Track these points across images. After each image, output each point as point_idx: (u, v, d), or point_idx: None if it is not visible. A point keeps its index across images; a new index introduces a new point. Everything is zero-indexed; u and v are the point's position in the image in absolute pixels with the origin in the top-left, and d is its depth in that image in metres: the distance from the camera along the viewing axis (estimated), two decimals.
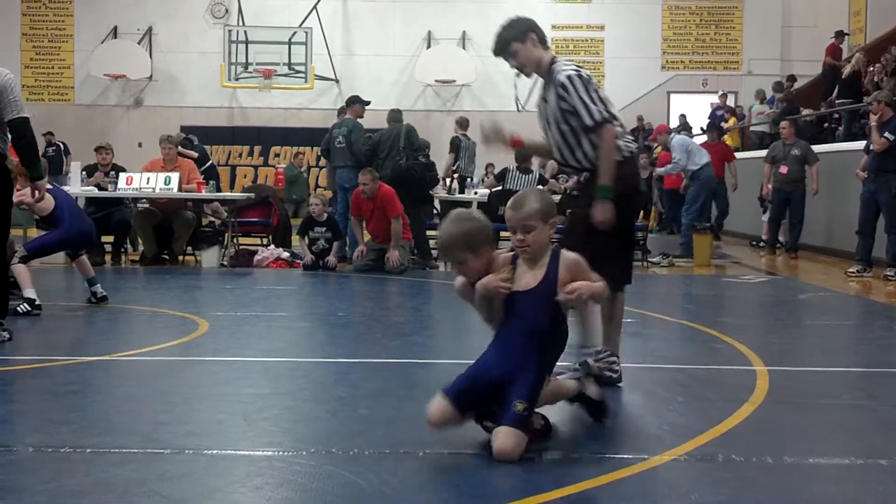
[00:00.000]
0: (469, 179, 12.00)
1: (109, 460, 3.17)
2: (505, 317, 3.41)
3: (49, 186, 6.83)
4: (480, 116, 19.36)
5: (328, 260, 9.61)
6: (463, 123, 12.68)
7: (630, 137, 4.55)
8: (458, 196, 11.55)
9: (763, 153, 14.56)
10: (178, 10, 21.67)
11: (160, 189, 9.80)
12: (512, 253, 3.44)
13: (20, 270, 6.42)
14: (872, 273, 9.57)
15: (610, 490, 2.97)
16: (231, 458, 3.26)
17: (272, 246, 10.35)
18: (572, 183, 4.71)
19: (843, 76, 15.26)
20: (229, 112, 21.91)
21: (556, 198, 11.78)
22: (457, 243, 3.40)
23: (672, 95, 22.21)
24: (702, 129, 17.62)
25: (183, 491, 2.91)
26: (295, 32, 20.41)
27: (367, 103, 10.93)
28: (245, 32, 20.65)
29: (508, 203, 3.42)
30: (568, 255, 3.40)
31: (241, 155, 22.08)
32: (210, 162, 14.16)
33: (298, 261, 9.86)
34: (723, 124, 17.60)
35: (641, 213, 12.51)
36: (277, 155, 21.87)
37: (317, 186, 20.52)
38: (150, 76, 21.65)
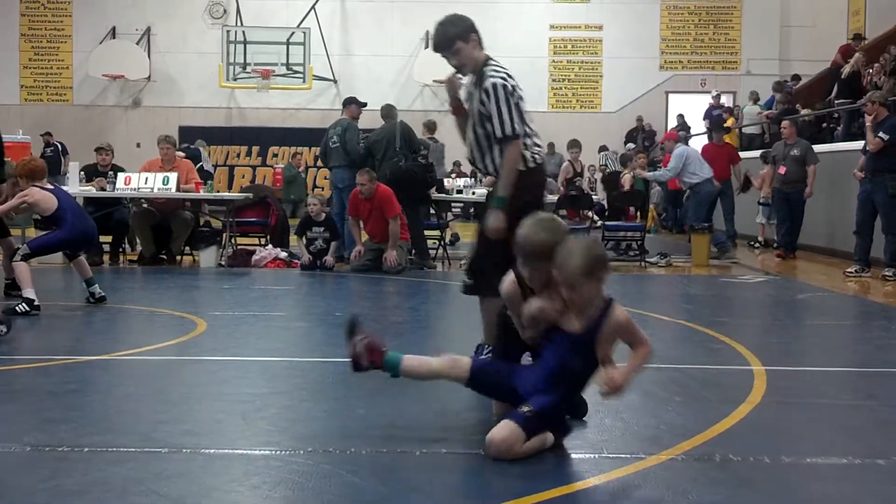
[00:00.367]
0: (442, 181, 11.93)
1: (107, 459, 3.18)
2: (542, 341, 3.37)
3: (51, 186, 6.84)
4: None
5: (326, 260, 9.61)
6: (431, 126, 12.82)
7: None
8: (455, 196, 11.57)
9: (752, 154, 14.57)
10: (176, 11, 21.67)
11: (158, 189, 9.79)
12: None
13: (21, 269, 6.42)
14: (871, 273, 9.57)
15: (608, 489, 2.98)
16: (229, 457, 3.27)
17: (270, 246, 10.34)
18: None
19: (842, 76, 15.28)
20: (227, 112, 21.91)
21: (554, 198, 11.84)
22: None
23: (670, 95, 22.21)
24: (708, 129, 17.51)
25: (180, 490, 2.91)
26: (293, 33, 20.41)
27: (364, 105, 10.92)
28: (243, 33, 20.66)
29: (523, 250, 3.37)
30: (617, 315, 3.30)
31: (239, 155, 22.07)
32: (200, 164, 14.15)
33: (296, 261, 9.86)
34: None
35: (639, 213, 12.42)
36: (275, 155, 21.87)
37: (314, 186, 20.52)
38: (149, 76, 21.65)
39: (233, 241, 10.54)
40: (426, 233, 10.51)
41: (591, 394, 3.59)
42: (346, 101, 11.14)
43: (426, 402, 3.90)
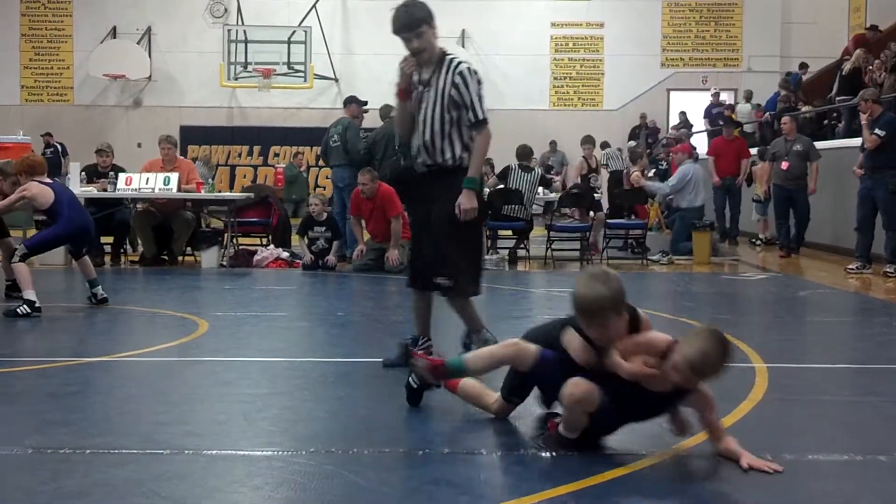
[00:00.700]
0: None
1: (109, 461, 3.18)
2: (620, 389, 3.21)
3: (49, 181, 6.84)
4: None
5: (328, 259, 9.61)
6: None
7: None
8: None
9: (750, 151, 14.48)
10: (177, 10, 21.65)
11: (159, 189, 9.79)
12: (669, 341, 3.21)
13: (21, 270, 6.41)
14: (872, 270, 9.57)
15: (609, 487, 2.97)
16: (230, 458, 3.27)
17: (272, 246, 10.34)
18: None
19: (842, 72, 15.24)
20: (228, 112, 21.90)
21: (554, 196, 11.82)
22: (606, 304, 3.13)
23: (672, 93, 22.18)
24: (720, 122, 17.42)
25: (182, 491, 2.91)
26: (294, 32, 20.40)
27: (364, 104, 10.92)
28: (244, 32, 20.64)
29: (583, 310, 3.17)
30: (704, 393, 3.22)
31: (240, 155, 22.05)
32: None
33: (298, 261, 9.85)
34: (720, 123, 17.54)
35: (639, 211, 12.39)
36: (277, 155, 21.86)
37: (316, 186, 20.51)
38: (150, 76, 21.63)
39: (234, 241, 10.53)
40: None
41: None
42: (347, 100, 11.14)
43: (428, 401, 3.90)
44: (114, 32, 21.63)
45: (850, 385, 4.66)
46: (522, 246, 10.93)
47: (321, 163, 16.43)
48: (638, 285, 9.07)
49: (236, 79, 20.63)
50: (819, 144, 11.87)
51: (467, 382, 3.70)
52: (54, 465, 3.13)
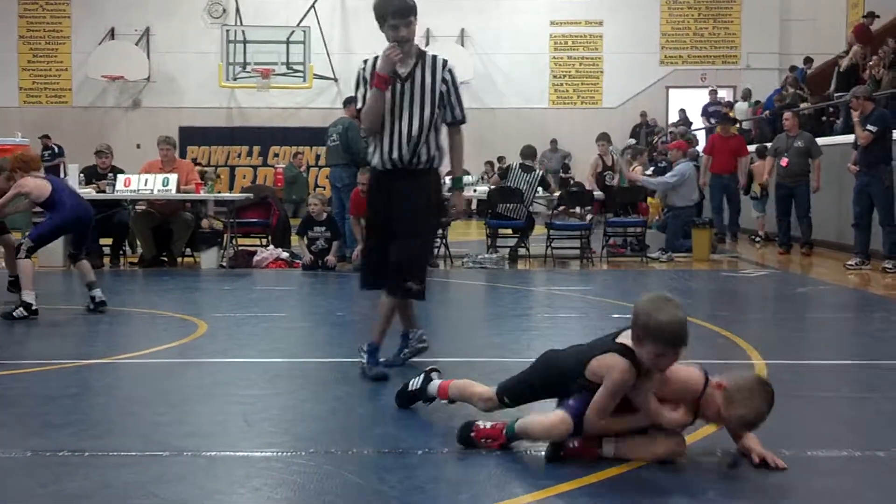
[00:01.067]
0: None
1: (108, 463, 3.18)
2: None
3: (43, 175, 6.83)
4: (480, 115, 19.49)
5: (328, 260, 9.61)
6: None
7: None
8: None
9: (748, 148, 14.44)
10: (175, 11, 21.66)
11: (158, 191, 9.79)
12: (703, 381, 3.16)
13: (26, 267, 6.39)
14: (871, 265, 9.57)
15: (608, 486, 2.97)
16: (230, 460, 3.27)
17: (271, 246, 10.35)
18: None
19: (840, 69, 15.23)
20: (228, 112, 21.90)
21: (554, 195, 11.82)
22: (686, 332, 3.05)
23: (671, 90, 22.18)
24: (714, 121, 17.40)
25: (182, 493, 2.91)
26: (293, 32, 20.41)
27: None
28: (243, 32, 20.65)
29: (677, 339, 3.03)
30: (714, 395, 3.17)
31: (239, 155, 22.06)
32: None
33: (298, 261, 9.85)
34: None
35: (638, 208, 12.35)
36: (276, 155, 21.86)
37: (316, 186, 20.51)
38: (148, 77, 21.64)
39: (234, 242, 10.53)
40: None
41: None
42: (347, 100, 11.12)
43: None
44: (112, 34, 21.64)
45: (848, 381, 4.66)
46: (522, 245, 10.93)
47: (321, 162, 16.44)
48: (639, 283, 9.08)
49: (235, 79, 20.65)
50: (821, 141, 11.80)
51: (455, 383, 3.66)
52: (54, 468, 3.13)
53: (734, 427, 3.15)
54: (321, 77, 20.85)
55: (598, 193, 11.28)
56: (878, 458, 3.25)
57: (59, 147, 19.07)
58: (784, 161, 11.45)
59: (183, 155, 18.50)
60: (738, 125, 14.59)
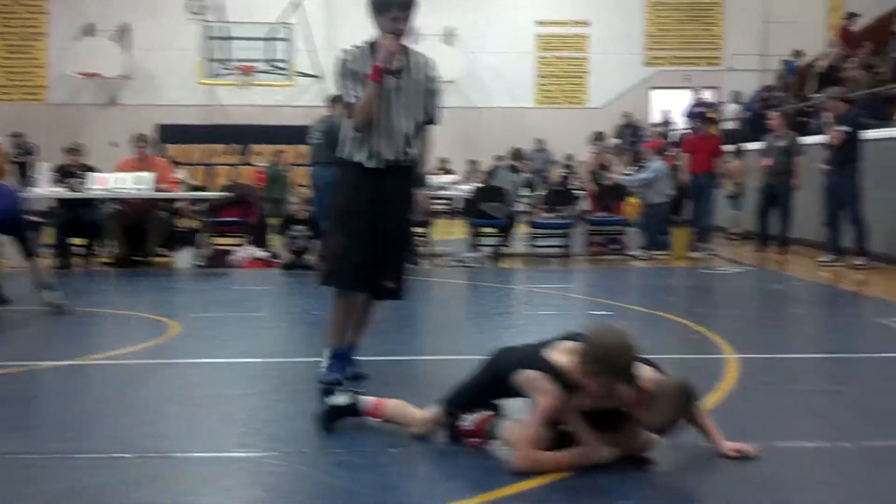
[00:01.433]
0: None
1: (75, 466, 3.12)
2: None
3: None
4: (466, 114, 19.45)
5: (307, 259, 9.52)
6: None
7: None
8: (441, 193, 11.55)
9: (727, 148, 14.39)
10: (155, 6, 21.44)
11: (133, 189, 9.64)
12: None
13: None
14: (844, 262, 9.64)
15: (581, 480, 2.96)
16: (200, 461, 3.22)
17: (249, 246, 10.25)
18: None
19: (819, 70, 15.27)
20: (208, 110, 21.71)
21: (536, 193, 11.80)
22: (632, 359, 2.96)
23: (655, 91, 22.24)
24: (689, 115, 17.39)
25: (151, 496, 2.87)
26: (276, 28, 20.26)
27: (350, 103, 10.81)
28: (224, 28, 20.47)
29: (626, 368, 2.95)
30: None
31: (219, 154, 21.90)
32: None
33: (276, 260, 9.77)
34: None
35: (618, 205, 12.33)
36: (258, 153, 21.72)
37: (299, 185, 20.37)
38: (127, 74, 21.43)
39: (210, 241, 10.41)
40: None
41: None
42: (332, 98, 11.04)
43: (404, 399, 3.84)
44: (89, 30, 21.41)
45: (818, 375, 4.72)
46: (505, 243, 10.92)
47: (303, 161, 16.28)
48: (620, 280, 9.11)
49: (215, 76, 20.46)
50: (805, 140, 11.74)
51: (392, 403, 3.48)
52: (24, 470, 3.07)
53: (644, 428, 3.06)
54: (305, 74, 20.70)
55: (579, 193, 11.31)
56: (844, 449, 3.30)
57: (33, 145, 18.78)
58: (768, 161, 11.46)
59: (163, 154, 18.33)
60: (716, 125, 14.55)
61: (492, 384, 3.22)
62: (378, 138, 4.12)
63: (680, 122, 19.60)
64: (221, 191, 12.35)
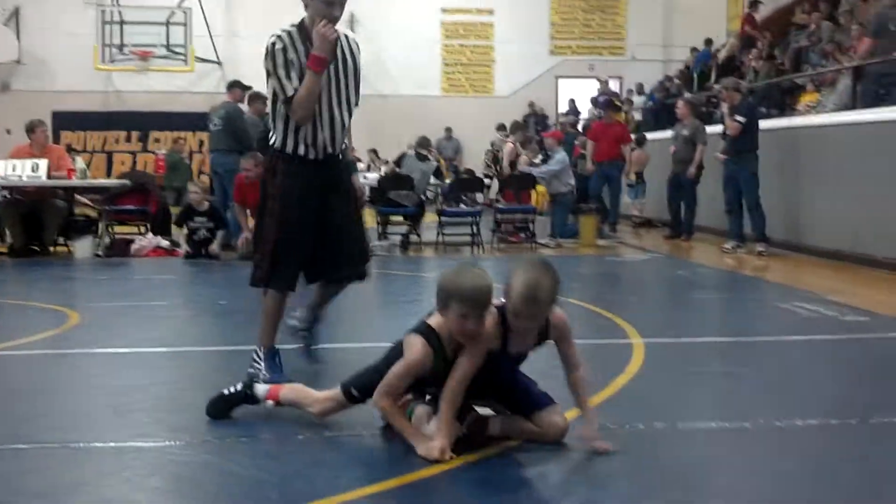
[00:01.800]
0: None
1: None
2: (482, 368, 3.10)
3: None
4: (371, 100, 19.29)
5: (211, 249, 9.32)
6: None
7: None
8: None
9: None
10: None
11: (28, 177, 9.28)
12: (495, 312, 3.06)
13: None
14: (746, 248, 9.97)
15: (480, 461, 2.98)
16: (99, 451, 3.13)
17: (150, 234, 9.98)
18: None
19: (718, 61, 15.76)
20: (104, 96, 21.01)
21: (440, 181, 11.84)
22: (490, 297, 3.00)
23: (561, 80, 22.53)
24: (596, 104, 17.66)
25: (46, 485, 2.77)
26: (173, 12, 19.70)
27: (248, 88, 10.67)
28: (119, 13, 19.80)
29: (520, 291, 2.95)
30: (558, 317, 3.13)
31: (118, 141, 21.20)
32: None
33: (178, 249, 9.54)
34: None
35: (532, 194, 12.47)
36: (157, 140, 21.14)
37: (200, 173, 19.93)
38: (18, 59, 20.53)
39: (110, 229, 10.09)
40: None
41: None
42: (231, 84, 10.89)
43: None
44: None
45: (721, 358, 4.84)
46: (414, 231, 10.90)
47: (204, 149, 15.97)
48: None
49: (112, 62, 19.77)
50: (711, 129, 11.97)
51: (288, 387, 3.46)
52: None
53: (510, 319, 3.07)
54: (204, 60, 20.21)
55: (488, 181, 11.39)
56: (744, 429, 3.37)
57: None
58: (672, 148, 11.75)
59: (57, 141, 17.65)
60: (620, 112, 14.75)
61: (388, 367, 3.20)
62: (321, 129, 3.92)
63: (586, 112, 19.96)
64: (119, 178, 11.98)
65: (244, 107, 10.54)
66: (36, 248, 9.57)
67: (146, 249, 9.55)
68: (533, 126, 20.69)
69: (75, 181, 9.74)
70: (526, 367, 3.31)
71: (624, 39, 22.83)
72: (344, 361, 4.44)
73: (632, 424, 3.37)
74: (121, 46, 19.54)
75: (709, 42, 18.40)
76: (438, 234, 10.58)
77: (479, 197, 11.81)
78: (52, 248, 9.65)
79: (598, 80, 20.38)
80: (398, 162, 11.30)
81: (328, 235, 4.01)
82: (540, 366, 3.35)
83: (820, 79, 11.36)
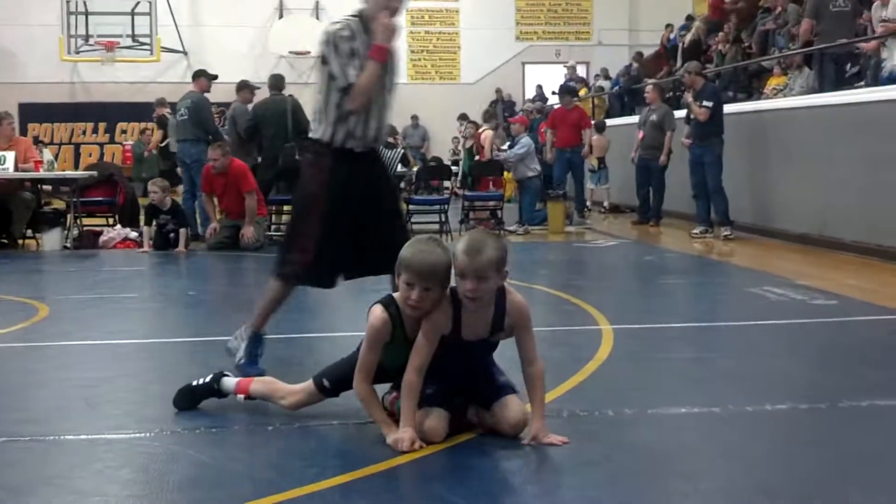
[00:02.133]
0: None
1: None
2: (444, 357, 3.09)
3: None
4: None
5: (178, 251, 9.16)
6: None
7: None
8: None
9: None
10: None
11: None
12: (449, 295, 3.05)
13: None
14: (714, 233, 10.08)
15: (450, 449, 3.01)
16: (70, 444, 3.14)
17: (119, 226, 9.92)
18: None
19: (684, 45, 15.82)
20: (71, 87, 20.76)
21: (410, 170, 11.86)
22: (446, 271, 3.01)
23: (527, 66, 22.56)
24: (553, 92, 17.74)
25: (18, 478, 2.79)
26: (138, 2, 19.48)
27: (214, 77, 10.64)
28: (84, 3, 19.54)
29: (463, 248, 2.96)
30: (516, 303, 3.10)
31: (84, 132, 20.98)
32: None
33: (143, 248, 9.45)
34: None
35: (497, 183, 12.54)
36: (124, 132, 20.93)
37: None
38: None
39: (78, 221, 10.03)
40: None
41: None
42: (196, 73, 10.83)
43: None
44: None
45: (690, 343, 4.86)
46: None
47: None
48: None
49: (78, 52, 19.53)
50: (678, 114, 12.01)
51: (258, 380, 3.48)
52: None
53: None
54: (169, 50, 20.02)
55: (455, 168, 11.42)
56: (714, 414, 3.40)
57: None
58: (640, 134, 11.75)
59: (24, 133, 17.43)
60: (577, 96, 14.73)
61: None
62: (372, 119, 3.88)
63: (553, 98, 20.01)
64: (87, 170, 11.88)
65: (237, 99, 10.62)
66: (4, 240, 9.51)
67: (115, 241, 9.50)
68: (501, 112, 20.72)
69: (43, 173, 9.65)
70: (498, 355, 3.31)
71: (590, 24, 22.87)
72: (311, 351, 4.49)
73: (601, 411, 3.39)
74: (86, 37, 19.30)
75: (690, 17, 18.37)
76: (407, 221, 10.58)
77: (447, 184, 11.84)
78: (20, 241, 9.58)
79: (565, 65, 20.41)
80: None
81: (377, 230, 3.91)
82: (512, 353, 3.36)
83: (787, 62, 11.45)
